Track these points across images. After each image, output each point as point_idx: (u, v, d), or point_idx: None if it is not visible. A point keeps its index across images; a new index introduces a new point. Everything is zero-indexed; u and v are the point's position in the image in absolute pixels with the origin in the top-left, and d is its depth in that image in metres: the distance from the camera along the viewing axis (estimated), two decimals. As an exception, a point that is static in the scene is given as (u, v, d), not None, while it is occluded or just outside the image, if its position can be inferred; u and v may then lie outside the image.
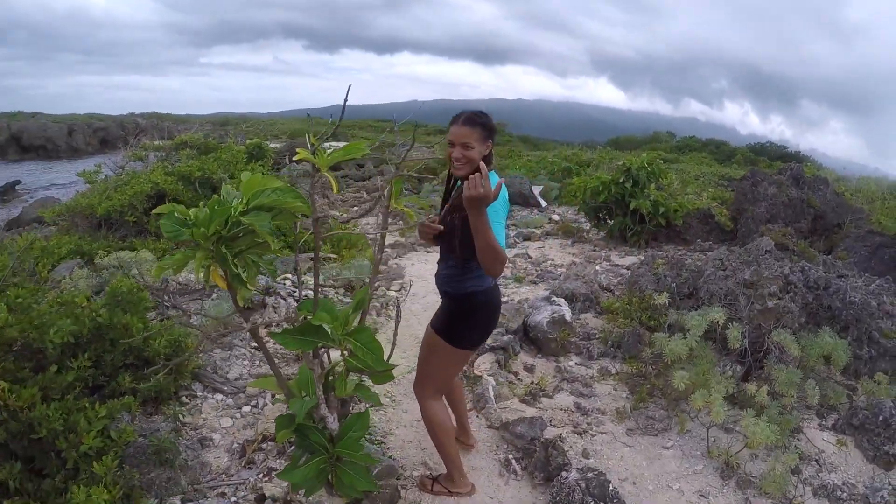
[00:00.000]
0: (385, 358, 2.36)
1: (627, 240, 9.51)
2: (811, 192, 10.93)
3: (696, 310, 4.89)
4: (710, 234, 10.60)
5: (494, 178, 2.47)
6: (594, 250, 9.46)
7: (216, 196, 2.37)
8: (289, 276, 6.10)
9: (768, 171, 11.85)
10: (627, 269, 7.81)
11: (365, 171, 28.30)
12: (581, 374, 4.24)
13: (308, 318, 2.49)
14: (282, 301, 5.21)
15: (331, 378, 2.67)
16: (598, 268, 7.69)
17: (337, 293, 6.07)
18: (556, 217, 15.20)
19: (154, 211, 2.67)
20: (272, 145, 36.03)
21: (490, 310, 2.71)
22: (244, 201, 2.27)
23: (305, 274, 6.69)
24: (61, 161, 35.63)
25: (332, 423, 2.58)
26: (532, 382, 4.07)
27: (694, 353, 3.79)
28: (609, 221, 10.04)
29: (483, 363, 4.14)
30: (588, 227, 11.28)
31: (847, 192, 12.55)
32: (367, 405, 3.07)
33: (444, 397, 2.98)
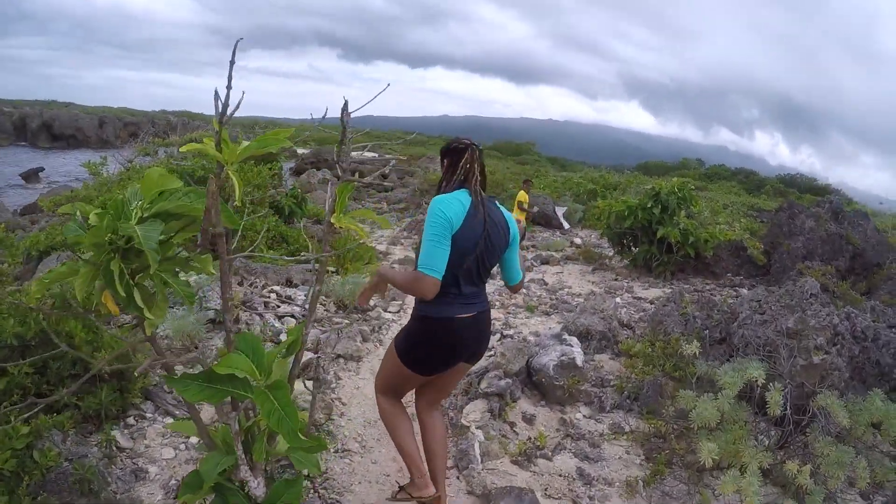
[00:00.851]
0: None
1: (652, 270, 8.83)
2: (850, 227, 10.14)
3: (728, 359, 4.23)
4: (741, 268, 9.87)
5: (443, 199, 2.38)
6: (616, 279, 8.80)
7: (119, 197, 1.84)
8: (276, 288, 5.57)
9: (805, 204, 11.07)
10: (651, 303, 7.15)
11: (389, 182, 28.00)
12: (589, 429, 3.59)
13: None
14: (257, 318, 4.65)
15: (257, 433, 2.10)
16: (618, 300, 7.03)
17: (327, 311, 5.51)
18: (578, 241, 14.52)
19: (59, 210, 2.16)
20: (300, 151, 36.10)
21: (433, 340, 2.49)
22: (143, 205, 1.73)
23: (299, 286, 6.15)
24: (89, 151, 35.91)
25: (257, 487, 2.02)
26: (529, 439, 3.43)
27: (725, 415, 3.15)
28: (633, 249, 9.38)
29: (473, 412, 3.50)
30: (611, 254, 10.62)
31: (884, 228, 11.67)
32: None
33: (413, 425, 2.77)
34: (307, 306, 5.34)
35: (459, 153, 2.47)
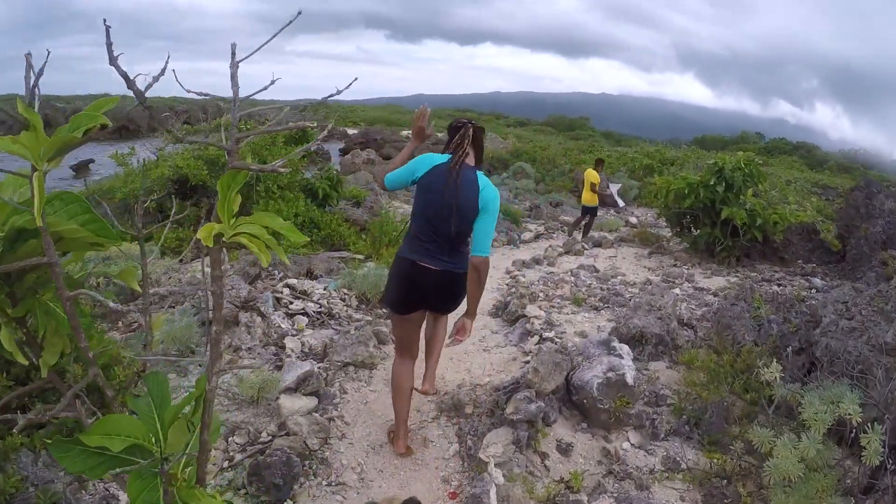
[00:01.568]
0: None
1: (715, 255, 8.01)
2: (934, 210, 9.03)
3: (808, 373, 3.53)
4: (812, 253, 8.95)
5: (424, 154, 2.88)
6: (674, 265, 8.03)
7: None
8: (292, 281, 5.09)
9: (885, 183, 9.93)
10: (714, 294, 6.41)
11: None
12: (637, 464, 2.97)
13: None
14: (258, 319, 4.17)
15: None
16: (677, 291, 6.32)
17: (347, 306, 5.00)
18: (633, 220, 13.66)
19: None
20: (350, 131, 35.86)
21: (398, 275, 2.93)
22: None
23: (320, 278, 5.67)
24: (140, 141, 36.32)
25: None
26: (561, 479, 2.84)
27: (807, 462, 2.50)
28: (694, 231, 8.57)
29: (494, 443, 2.91)
30: (668, 236, 9.81)
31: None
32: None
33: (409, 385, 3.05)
34: (324, 302, 4.85)
35: (456, 130, 2.87)
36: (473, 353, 4.39)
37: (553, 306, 5.64)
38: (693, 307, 5.56)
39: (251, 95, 1.11)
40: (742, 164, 7.86)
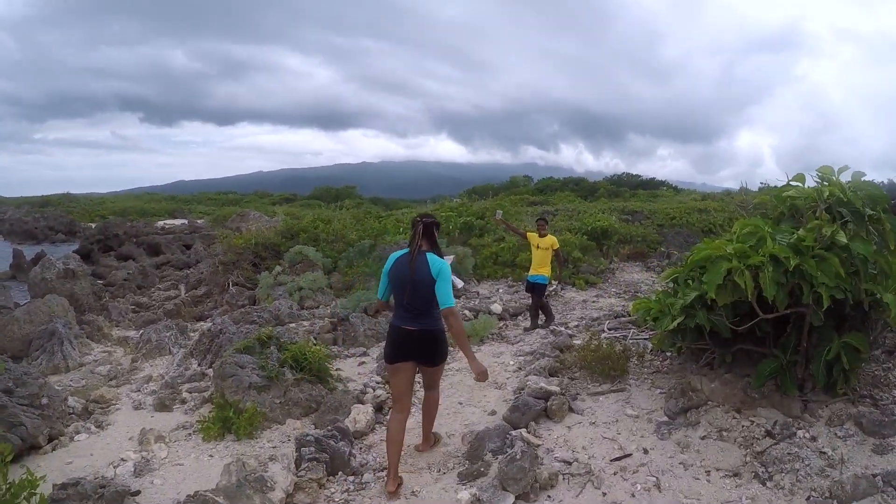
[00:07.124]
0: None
1: (832, 387, 3.53)
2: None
3: None
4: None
5: (392, 254, 3.94)
6: (765, 436, 3.37)
7: None
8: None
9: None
10: None
11: (192, 254, 20.34)
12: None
13: None
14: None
15: None
16: None
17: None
18: (496, 308, 9.01)
19: None
20: (92, 226, 28.11)
21: (388, 337, 3.91)
22: None
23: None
24: None
25: None
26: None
27: None
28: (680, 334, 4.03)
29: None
30: (641, 348, 5.29)
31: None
32: None
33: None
34: None
35: (413, 225, 3.81)
36: None
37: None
38: None
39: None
40: (844, 193, 3.49)
